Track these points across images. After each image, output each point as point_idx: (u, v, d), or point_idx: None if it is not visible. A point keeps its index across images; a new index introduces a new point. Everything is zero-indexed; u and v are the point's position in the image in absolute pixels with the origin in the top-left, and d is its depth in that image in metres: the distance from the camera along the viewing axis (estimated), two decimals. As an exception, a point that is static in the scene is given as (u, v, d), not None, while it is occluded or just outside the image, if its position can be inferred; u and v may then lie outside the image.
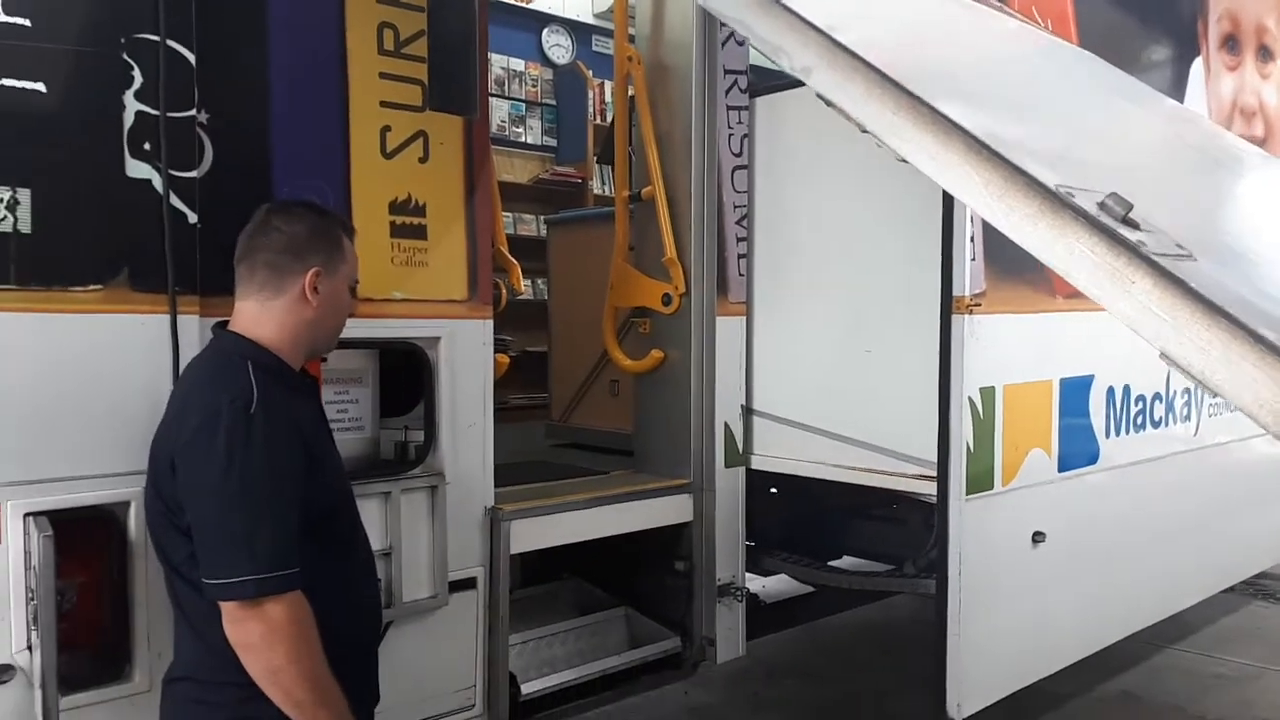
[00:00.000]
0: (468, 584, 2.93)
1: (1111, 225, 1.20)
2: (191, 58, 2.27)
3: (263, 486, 1.72)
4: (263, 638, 1.68)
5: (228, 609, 1.69)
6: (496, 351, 3.11)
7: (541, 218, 5.45)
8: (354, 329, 2.64)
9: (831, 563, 4.10)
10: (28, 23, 2.03)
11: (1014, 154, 1.30)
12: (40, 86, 2.05)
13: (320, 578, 1.80)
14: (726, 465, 3.67)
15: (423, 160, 2.82)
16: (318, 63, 2.62)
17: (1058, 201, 1.22)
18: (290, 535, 1.73)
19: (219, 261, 2.24)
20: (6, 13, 2.01)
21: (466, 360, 2.90)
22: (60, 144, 2.09)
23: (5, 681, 1.97)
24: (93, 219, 2.11)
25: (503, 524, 2.98)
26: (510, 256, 3.39)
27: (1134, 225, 1.23)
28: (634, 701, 4.04)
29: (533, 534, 3.10)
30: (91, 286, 2.11)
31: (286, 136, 2.54)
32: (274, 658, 1.68)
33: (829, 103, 1.44)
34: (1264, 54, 4.61)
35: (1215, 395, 1.13)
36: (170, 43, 2.22)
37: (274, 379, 1.84)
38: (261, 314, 1.91)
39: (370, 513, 2.71)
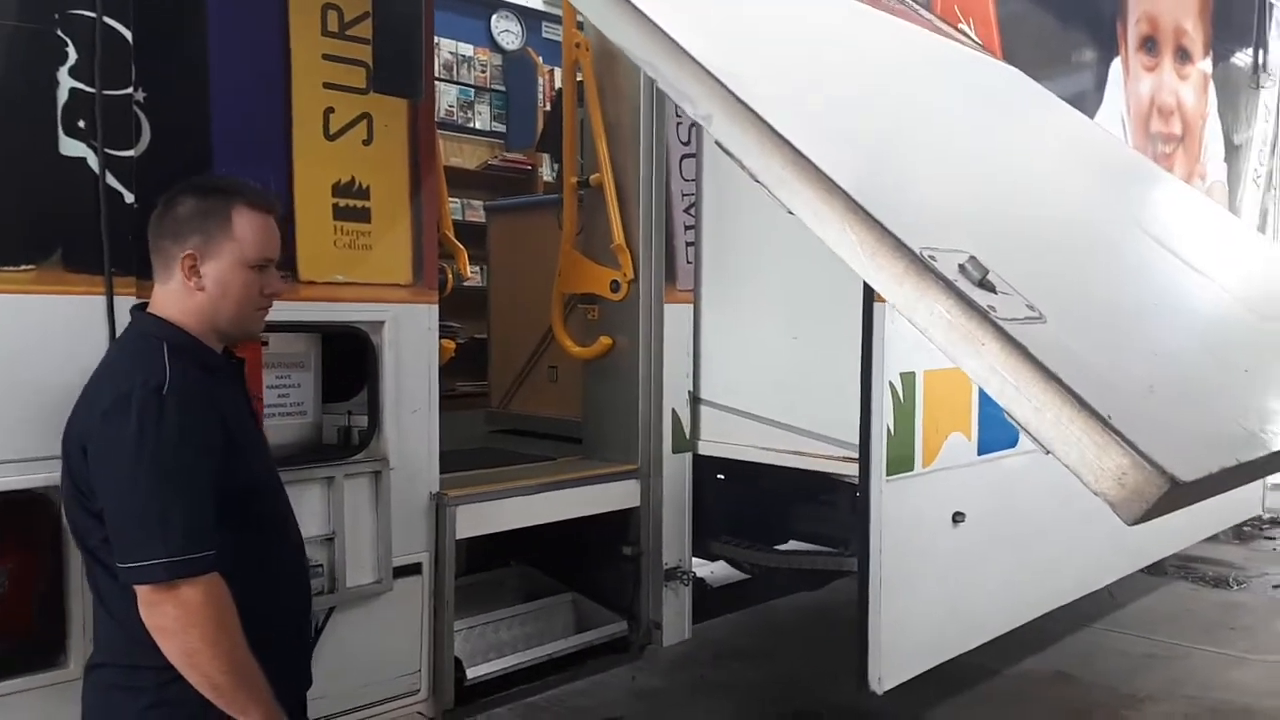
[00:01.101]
0: (413, 569, 2.93)
1: (967, 290, 1.26)
2: (129, 35, 2.23)
3: (174, 469, 1.68)
4: (177, 621, 1.66)
5: (142, 593, 1.66)
6: (443, 337, 3.10)
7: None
8: (296, 312, 2.65)
9: (778, 547, 4.16)
10: (-46, -4, 1.98)
11: (886, 212, 1.36)
12: (-32, 62, 2.00)
13: (241, 561, 1.78)
14: (674, 451, 3.70)
15: (366, 143, 2.79)
16: (259, 42, 2.59)
17: (920, 264, 1.29)
18: (205, 518, 1.70)
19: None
20: (-66, -14, 1.96)
21: (411, 345, 2.88)
22: (-10, 121, 2.04)
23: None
24: (25, 198, 2.07)
25: (448, 509, 2.98)
26: (457, 242, 3.38)
27: (990, 288, 1.30)
28: (581, 686, 4.07)
29: (478, 519, 3.10)
30: (24, 266, 2.07)
31: (226, 116, 2.51)
32: (190, 641, 1.66)
33: (726, 151, 1.49)
34: (1182, 55, 4.75)
35: (1048, 451, 1.20)
36: (107, 19, 2.18)
37: (190, 360, 1.80)
38: (164, 297, 1.88)
39: (312, 498, 2.71)
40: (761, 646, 5.09)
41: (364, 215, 2.79)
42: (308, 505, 2.69)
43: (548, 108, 6.03)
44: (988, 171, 1.99)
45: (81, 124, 2.15)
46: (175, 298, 1.86)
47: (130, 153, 2.24)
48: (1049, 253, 1.78)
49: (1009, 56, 3.63)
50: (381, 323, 2.83)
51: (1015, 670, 4.70)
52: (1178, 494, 1.11)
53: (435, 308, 2.95)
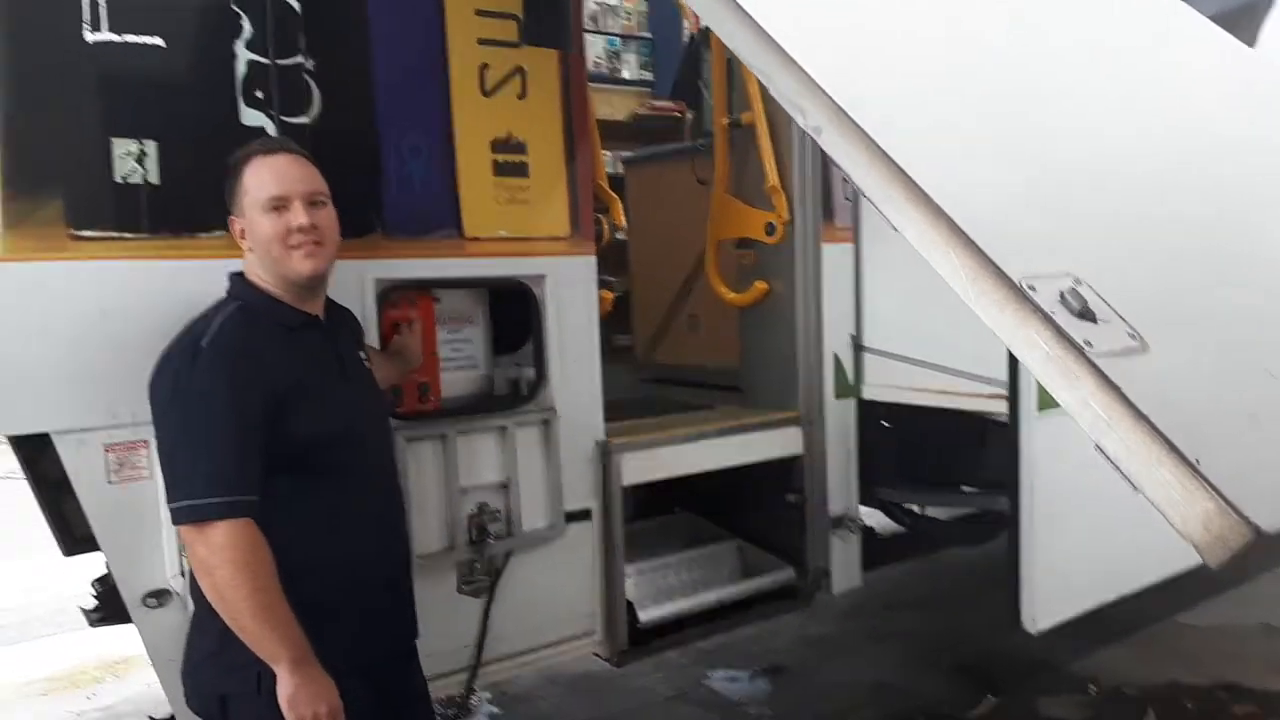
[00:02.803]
0: (583, 515, 2.99)
1: (1065, 323, 1.25)
2: (297, 5, 2.32)
3: (202, 417, 1.74)
4: (204, 562, 1.72)
5: (182, 533, 1.75)
6: (600, 289, 3.13)
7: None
8: (462, 269, 2.73)
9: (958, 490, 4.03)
10: (143, -21, 2.10)
11: (992, 232, 1.34)
12: (158, 40, 2.13)
13: (312, 510, 1.84)
14: (837, 397, 3.62)
15: (521, 97, 2.82)
16: (415, 4, 2.64)
17: (1020, 295, 1.28)
18: (237, 463, 1.74)
19: (335, 205, 2.31)
20: (124, -30, 2.09)
21: (571, 296, 2.92)
22: (179, 96, 2.17)
23: (162, 605, 2.11)
24: (214, 167, 2.19)
25: (614, 456, 3.02)
26: (611, 192, 3.38)
27: (1091, 317, 1.28)
28: (751, 632, 4.10)
29: (643, 466, 3.13)
30: (216, 233, 2.19)
31: (389, 79, 2.58)
32: (215, 580, 1.72)
33: (836, 165, 1.50)
34: None
35: (1136, 489, 1.18)
36: (275, -9, 2.27)
37: (258, 317, 1.87)
38: (248, 260, 1.97)
39: (488, 447, 2.80)
40: (932, 596, 4.98)
41: (522, 170, 2.83)
42: (484, 453, 2.80)
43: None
44: (1118, 160, 1.81)
45: (259, 94, 2.26)
46: (248, 261, 1.96)
47: (304, 119, 2.34)
48: (1175, 256, 1.67)
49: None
50: (543, 276, 2.87)
51: (1213, 624, 4.42)
52: (1264, 543, 1.09)
53: (593, 259, 2.98)
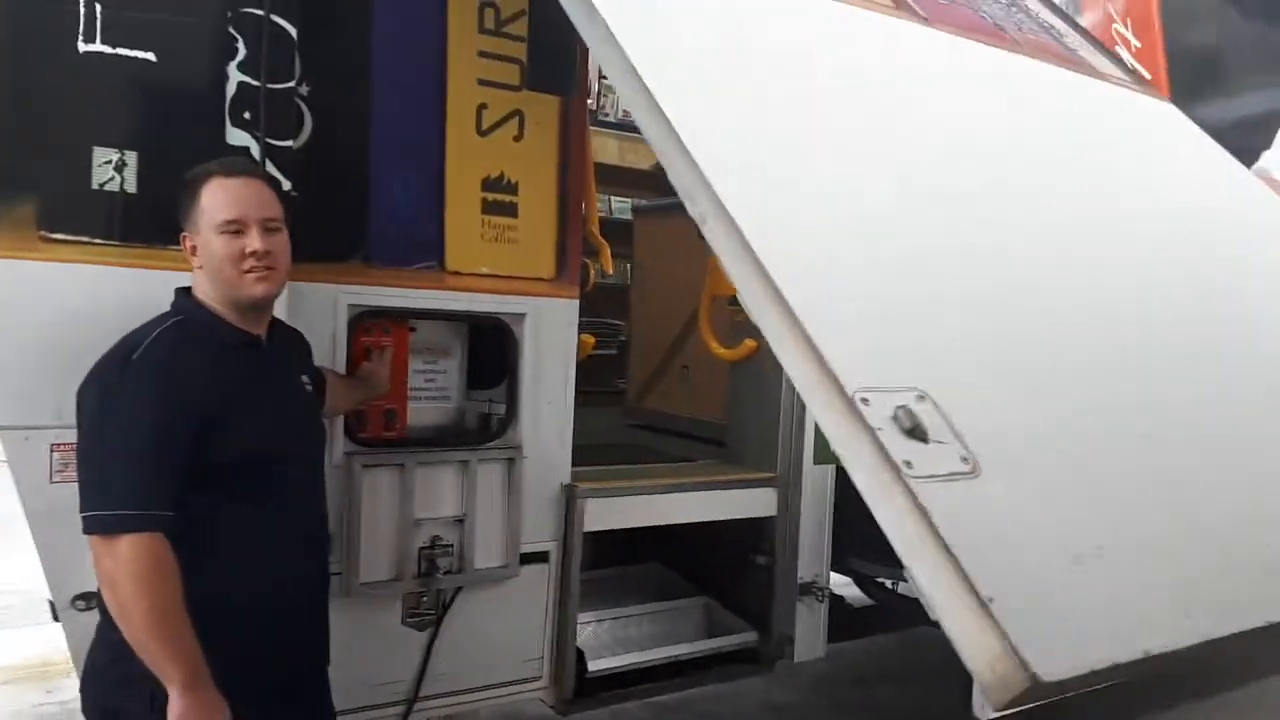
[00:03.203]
0: (540, 557, 2.97)
1: (889, 442, 1.24)
2: (294, 31, 2.37)
3: (124, 429, 1.74)
4: (108, 573, 1.72)
5: (91, 544, 1.74)
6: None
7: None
8: (441, 301, 2.75)
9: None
10: (141, -5, 2.17)
11: (840, 341, 1.35)
12: (150, 56, 2.19)
13: (215, 532, 1.83)
14: (815, 462, 3.59)
15: (517, 139, 2.86)
16: (419, 39, 2.70)
17: (852, 406, 1.28)
18: (152, 478, 1.74)
19: (315, 229, 2.35)
20: (122, -15, 2.15)
21: (550, 338, 2.93)
22: (166, 110, 2.22)
23: (90, 608, 2.11)
24: (193, 182, 2.24)
25: (578, 501, 3.01)
26: (601, 238, 3.40)
27: (921, 437, 1.28)
28: (714, 692, 4.02)
29: (607, 513, 3.11)
30: (189, 246, 2.23)
31: (385, 110, 2.63)
32: (118, 595, 1.71)
33: (714, 253, 1.51)
34: None
35: (935, 622, 1.17)
36: (274, 16, 2.33)
37: (193, 334, 1.88)
38: (194, 278, 1.99)
39: (448, 480, 2.80)
40: (904, 670, 4.87)
41: (511, 210, 2.86)
42: (443, 486, 2.80)
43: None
44: (986, 273, 1.81)
45: (246, 115, 2.30)
46: (195, 278, 1.98)
47: (290, 143, 2.38)
48: (1038, 377, 1.64)
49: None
50: (523, 315, 2.89)
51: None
52: (1042, 690, 1.08)
53: (575, 303, 2.99)
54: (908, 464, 1.23)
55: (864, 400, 1.28)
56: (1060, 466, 1.46)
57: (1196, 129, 3.11)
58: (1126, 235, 2.27)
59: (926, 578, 1.15)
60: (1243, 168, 3.06)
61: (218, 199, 1.92)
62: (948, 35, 2.63)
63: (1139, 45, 3.56)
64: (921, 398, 1.34)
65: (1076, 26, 3.42)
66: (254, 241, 1.91)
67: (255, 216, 1.92)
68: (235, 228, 1.91)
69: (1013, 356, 1.64)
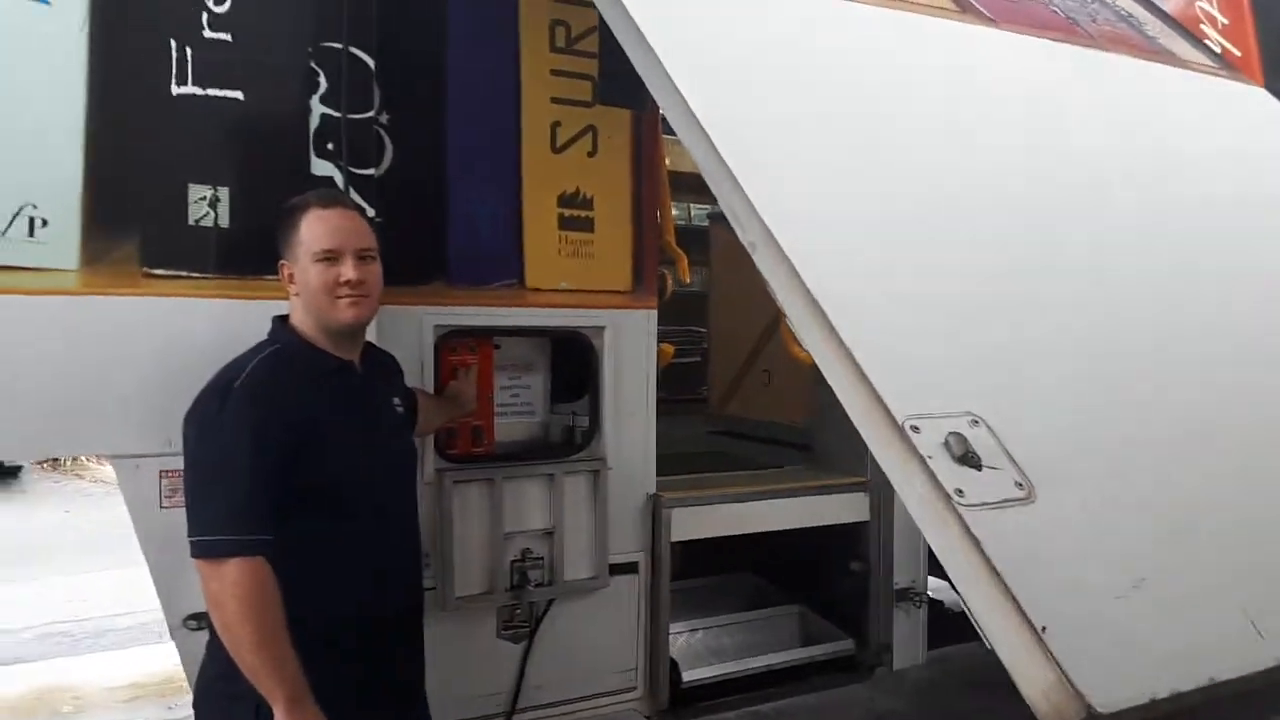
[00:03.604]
0: (629, 568, 2.99)
1: (940, 470, 1.23)
2: (371, 63, 2.44)
3: (226, 456, 1.79)
4: (215, 596, 1.77)
5: (198, 567, 1.79)
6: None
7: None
8: (522, 318, 2.79)
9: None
10: (229, 37, 2.26)
11: (893, 365, 1.34)
12: (239, 94, 2.28)
13: (313, 553, 1.87)
14: (908, 464, 3.51)
15: (591, 154, 2.90)
16: (493, 63, 2.76)
17: (903, 434, 1.27)
18: (254, 503, 1.78)
19: (399, 253, 2.41)
20: (211, 29, 2.25)
21: (630, 349, 2.96)
22: (254, 146, 2.31)
23: (202, 628, 2.20)
24: (281, 213, 2.32)
25: (664, 511, 3.01)
26: (678, 248, 3.41)
27: (974, 464, 1.27)
28: (812, 701, 3.96)
29: (695, 523, 3.11)
30: (280, 276, 2.32)
31: (462, 134, 2.70)
32: (224, 616, 1.76)
33: (766, 280, 1.52)
34: None
35: (990, 648, 1.16)
36: (352, 49, 2.40)
37: (290, 362, 1.93)
38: (292, 306, 2.04)
39: (535, 493, 2.84)
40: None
41: (587, 225, 2.89)
42: (531, 500, 2.84)
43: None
44: (1041, 297, 1.74)
45: (330, 146, 2.38)
46: (292, 306, 2.03)
47: (371, 171, 2.46)
48: (1093, 399, 1.58)
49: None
50: (602, 328, 2.92)
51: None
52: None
53: (654, 313, 3.01)
54: (959, 492, 1.22)
55: (914, 428, 1.28)
56: (1119, 488, 1.43)
57: None
58: (1201, 239, 2.17)
59: (980, 607, 1.15)
60: None
61: (315, 229, 1.99)
62: (1015, 35, 2.56)
63: (1226, 22, 3.40)
64: (975, 422, 1.34)
65: (1157, 10, 3.29)
66: (348, 270, 1.97)
67: (350, 246, 1.99)
68: (331, 256, 1.97)
69: (1073, 375, 1.60)
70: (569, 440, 2.97)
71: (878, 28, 2.32)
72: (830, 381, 1.37)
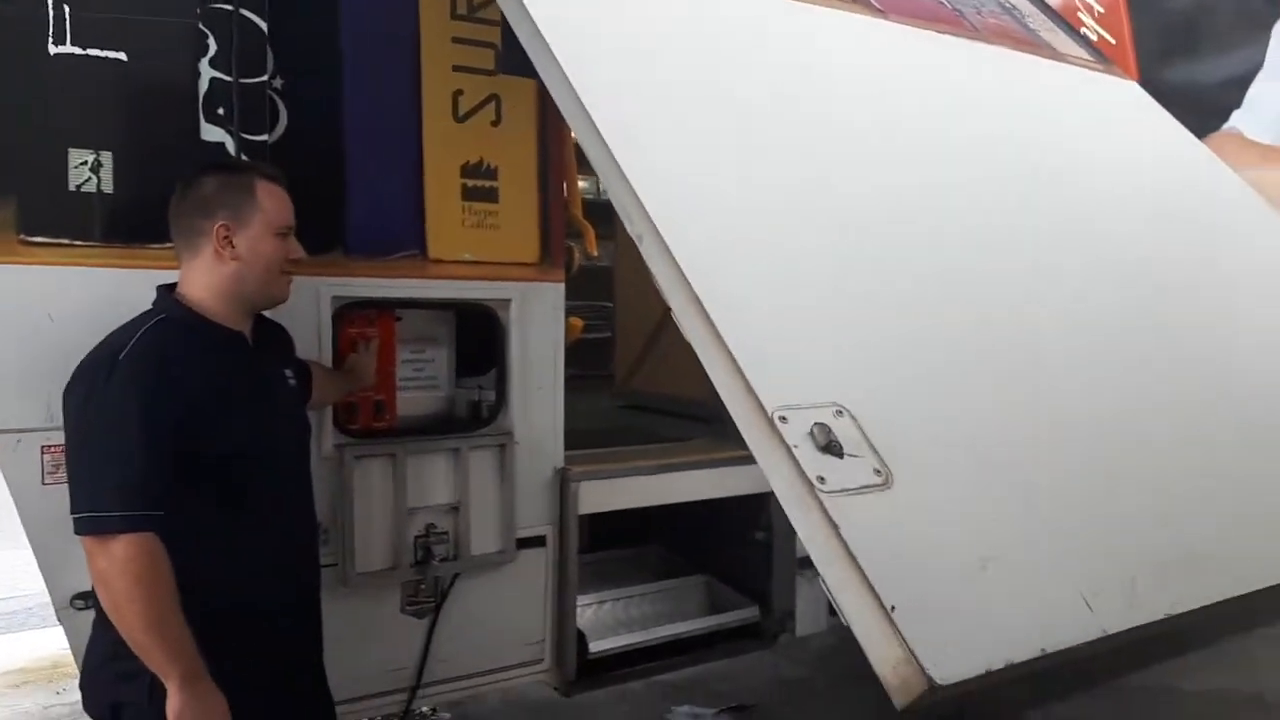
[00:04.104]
0: (536, 541, 2.99)
1: (804, 458, 1.31)
2: (264, 25, 2.37)
3: (113, 429, 1.75)
4: (103, 573, 1.72)
5: (84, 544, 1.74)
6: (569, 317, 3.14)
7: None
8: (425, 290, 2.75)
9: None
10: (111, -5, 2.17)
11: (763, 361, 1.40)
12: (122, 55, 2.19)
13: (205, 529, 1.84)
14: (810, 435, 3.59)
15: (495, 124, 2.86)
16: (390, 29, 2.69)
17: (771, 425, 1.34)
18: (143, 477, 1.74)
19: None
20: (91, -14, 2.15)
21: (537, 323, 2.94)
22: (139, 109, 2.22)
23: (89, 607, 2.13)
24: (169, 180, 2.23)
25: (571, 484, 3.02)
26: (585, 221, 3.40)
27: (836, 452, 1.34)
28: (721, 669, 4.04)
29: (602, 495, 3.12)
30: (169, 244, 2.22)
31: (359, 100, 2.63)
32: (113, 595, 1.72)
33: (651, 270, 1.58)
34: None
35: (847, 625, 1.24)
36: (243, 11, 2.33)
37: (179, 332, 1.88)
38: (187, 274, 1.98)
39: (440, 468, 2.81)
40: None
41: (492, 195, 2.86)
42: (436, 475, 2.81)
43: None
44: (903, 287, 1.82)
45: (220, 111, 2.31)
46: (201, 272, 1.96)
47: (264, 137, 2.39)
48: (968, 382, 1.68)
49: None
50: (508, 300, 2.89)
51: (1199, 689, 4.29)
52: (940, 692, 1.14)
53: (561, 286, 2.99)
54: (821, 479, 1.29)
55: (782, 419, 1.34)
56: (973, 473, 1.51)
57: (1158, 109, 3.10)
58: (1069, 229, 2.28)
59: (836, 587, 1.22)
60: (1202, 148, 3.06)
61: (277, 202, 2.01)
62: (901, 27, 2.62)
63: (1102, 10, 3.54)
64: (840, 413, 1.40)
65: (1039, 3, 3.41)
66: (297, 249, 2.04)
67: (293, 225, 2.04)
68: (287, 232, 2.02)
69: (935, 367, 1.67)
70: (475, 414, 2.94)
71: (770, 16, 2.36)
72: (708, 372, 1.43)
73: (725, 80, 2.06)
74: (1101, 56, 3.29)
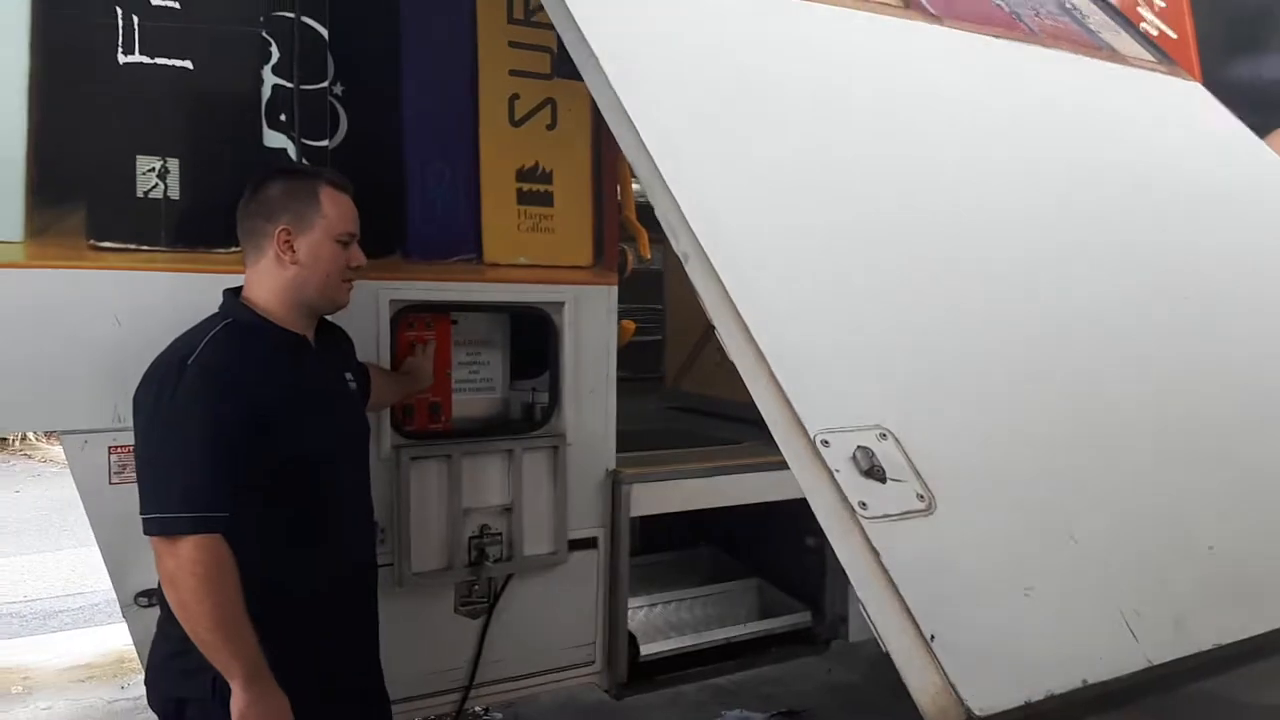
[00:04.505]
0: (588, 543, 2.99)
1: (846, 483, 1.28)
2: (325, 33, 2.40)
3: (181, 432, 1.77)
4: (171, 574, 1.75)
5: (152, 544, 1.77)
6: (622, 319, 3.13)
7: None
8: (480, 293, 2.77)
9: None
10: (176, 5, 2.21)
11: (806, 381, 1.38)
12: (188, 64, 2.24)
13: (270, 531, 1.86)
14: (864, 439, 3.55)
15: (550, 127, 2.87)
16: (448, 34, 2.72)
17: (814, 449, 1.32)
18: (211, 480, 1.76)
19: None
20: (158, -3, 2.20)
21: (590, 325, 2.94)
22: (204, 116, 2.27)
23: (153, 605, 2.18)
24: (233, 185, 2.27)
25: (623, 486, 3.02)
26: (638, 224, 3.40)
27: (879, 477, 1.31)
28: (771, 673, 4.02)
29: (654, 498, 3.12)
30: (233, 249, 2.27)
31: (417, 105, 2.66)
32: (180, 594, 1.75)
33: (696, 291, 1.56)
34: None
35: (886, 651, 1.23)
36: (305, 19, 2.36)
37: (246, 337, 1.91)
38: (252, 278, 2.01)
39: (494, 469, 2.83)
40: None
41: (547, 199, 2.87)
42: (490, 476, 2.83)
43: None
44: (951, 311, 1.76)
45: (282, 117, 2.35)
46: (265, 276, 1.99)
47: (325, 143, 2.42)
48: (997, 408, 1.62)
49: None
50: (562, 303, 2.90)
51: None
52: None
53: (614, 289, 3.00)
54: (863, 505, 1.28)
55: (824, 442, 1.33)
56: (1017, 498, 1.47)
57: (1221, 110, 3.00)
58: (1128, 242, 2.20)
59: (876, 613, 1.21)
60: (1268, 151, 2.95)
61: (341, 209, 2.03)
62: (956, 33, 2.57)
63: (1163, 4, 3.44)
64: (884, 436, 1.38)
65: (1100, 1, 3.33)
66: (358, 256, 2.06)
67: (357, 233, 2.06)
68: (349, 239, 2.04)
69: (981, 389, 1.63)
70: (529, 416, 2.96)
71: (822, 24, 2.33)
72: (751, 393, 1.41)
73: (775, 91, 2.04)
74: (1165, 56, 3.20)
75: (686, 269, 1.56)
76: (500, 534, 2.82)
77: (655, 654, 3.20)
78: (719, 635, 3.38)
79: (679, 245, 1.56)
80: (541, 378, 2.99)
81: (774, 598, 3.71)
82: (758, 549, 3.84)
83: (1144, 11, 3.70)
